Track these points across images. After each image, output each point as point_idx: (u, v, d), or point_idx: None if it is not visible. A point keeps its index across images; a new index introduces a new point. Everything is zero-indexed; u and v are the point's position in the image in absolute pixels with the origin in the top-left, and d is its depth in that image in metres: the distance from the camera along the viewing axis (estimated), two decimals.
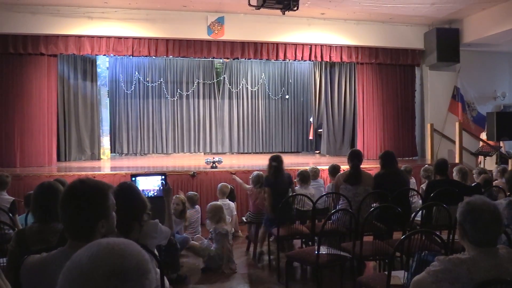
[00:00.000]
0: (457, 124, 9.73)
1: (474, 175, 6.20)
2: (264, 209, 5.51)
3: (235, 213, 6.33)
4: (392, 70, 10.41)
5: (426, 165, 6.48)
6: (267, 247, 5.43)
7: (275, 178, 5.20)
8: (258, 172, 5.96)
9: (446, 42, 9.78)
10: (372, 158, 10.02)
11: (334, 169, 6.16)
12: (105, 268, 0.88)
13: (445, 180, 4.89)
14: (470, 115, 10.58)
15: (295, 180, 5.89)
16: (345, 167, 6.24)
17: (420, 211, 4.36)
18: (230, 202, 6.18)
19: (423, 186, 5.85)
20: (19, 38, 8.57)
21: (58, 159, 9.62)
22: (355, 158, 5.02)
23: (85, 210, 1.68)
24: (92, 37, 8.84)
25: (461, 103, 10.29)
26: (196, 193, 6.22)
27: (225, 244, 5.06)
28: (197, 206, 5.98)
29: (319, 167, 6.88)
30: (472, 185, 5.31)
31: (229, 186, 6.39)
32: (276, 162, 5.26)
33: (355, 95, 10.81)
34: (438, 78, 10.46)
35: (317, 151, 12.26)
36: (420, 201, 5.22)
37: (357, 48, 10.04)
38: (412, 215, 4.39)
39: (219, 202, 5.59)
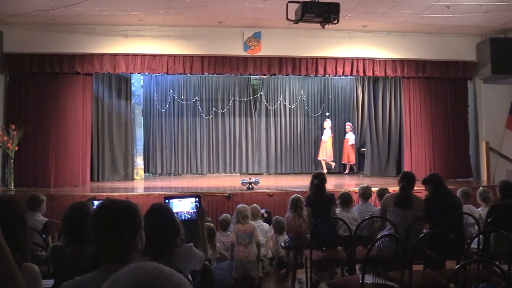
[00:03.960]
0: None
1: None
2: (303, 233, 5.44)
3: (270, 234, 6.25)
4: (442, 84, 10.18)
5: (481, 187, 6.22)
6: (305, 273, 5.33)
7: (316, 197, 5.15)
8: (296, 195, 5.87)
9: (502, 53, 9.48)
10: (420, 180, 9.69)
11: (383, 192, 6.00)
12: None
13: (510, 204, 4.65)
14: None
15: (337, 202, 5.77)
16: (392, 189, 6.08)
17: (477, 238, 4.18)
18: (264, 224, 6.14)
19: (480, 210, 5.63)
20: (56, 57, 9.01)
21: (92, 179, 9.93)
22: (405, 179, 4.90)
23: (122, 229, 1.71)
24: (127, 55, 9.17)
25: None
26: (227, 215, 6.15)
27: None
28: (230, 232, 5.94)
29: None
30: None
31: (258, 207, 6.36)
32: (318, 180, 5.20)
33: (401, 111, 10.62)
34: (493, 92, 10.12)
35: (358, 172, 12.05)
36: (477, 227, 5.00)
37: (402, 61, 9.91)
38: (468, 242, 4.21)
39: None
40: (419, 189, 7.30)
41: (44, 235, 4.49)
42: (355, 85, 12.03)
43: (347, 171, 12.28)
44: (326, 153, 12.07)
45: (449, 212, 4.63)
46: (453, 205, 4.84)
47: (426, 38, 9.82)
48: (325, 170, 12.08)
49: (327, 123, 12.29)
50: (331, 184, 10.03)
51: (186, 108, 12.54)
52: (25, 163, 8.89)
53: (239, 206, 5.64)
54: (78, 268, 2.42)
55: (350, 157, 12.16)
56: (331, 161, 12.14)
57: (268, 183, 9.70)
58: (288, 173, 12.69)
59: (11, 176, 8.57)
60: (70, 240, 2.80)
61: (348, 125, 12.37)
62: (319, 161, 12.49)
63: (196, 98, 12.54)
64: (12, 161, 8.56)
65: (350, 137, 12.22)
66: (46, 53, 8.97)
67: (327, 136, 12.09)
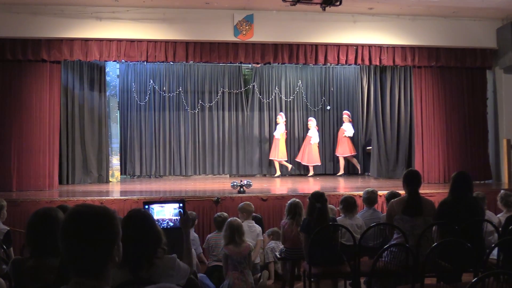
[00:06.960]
0: None
1: None
2: (301, 243, 5.44)
3: (261, 238, 6.24)
4: (458, 74, 10.23)
5: (503, 190, 6.26)
6: (304, 287, 5.32)
7: (316, 223, 4.80)
8: (295, 199, 5.84)
9: None
10: (433, 182, 9.80)
11: (393, 198, 6.01)
12: None
13: None
14: None
15: (338, 208, 5.76)
16: (403, 192, 6.09)
17: (496, 248, 4.20)
18: (256, 225, 6.08)
19: (500, 216, 5.66)
20: (18, 42, 8.91)
21: (60, 182, 9.86)
22: (413, 181, 4.85)
23: (97, 239, 1.70)
24: (101, 40, 9.11)
25: None
26: (223, 213, 6.12)
27: None
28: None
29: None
30: None
31: (252, 205, 6.34)
32: (320, 203, 4.90)
33: (412, 105, 10.65)
34: None
35: (367, 173, 12.09)
36: (497, 236, 5.03)
37: (413, 48, 9.94)
38: (487, 252, 4.23)
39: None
40: (431, 192, 7.37)
41: (5, 246, 4.45)
42: (359, 75, 12.03)
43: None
44: (277, 152, 12.02)
45: (467, 218, 4.63)
46: (473, 212, 4.82)
47: (440, 22, 9.85)
48: (278, 173, 12.08)
49: (281, 118, 12.20)
50: (333, 186, 10.05)
51: (168, 101, 12.49)
52: None
53: (231, 219, 5.19)
54: (42, 283, 2.39)
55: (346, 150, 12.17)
56: (285, 161, 12.14)
57: (262, 185, 9.70)
58: (284, 175, 12.68)
59: None
60: (34, 250, 2.77)
61: (346, 114, 12.40)
62: (321, 160, 12.52)
63: (180, 89, 12.50)
64: None
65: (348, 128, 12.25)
66: (6, 37, 8.86)
67: (279, 133, 12.02)
